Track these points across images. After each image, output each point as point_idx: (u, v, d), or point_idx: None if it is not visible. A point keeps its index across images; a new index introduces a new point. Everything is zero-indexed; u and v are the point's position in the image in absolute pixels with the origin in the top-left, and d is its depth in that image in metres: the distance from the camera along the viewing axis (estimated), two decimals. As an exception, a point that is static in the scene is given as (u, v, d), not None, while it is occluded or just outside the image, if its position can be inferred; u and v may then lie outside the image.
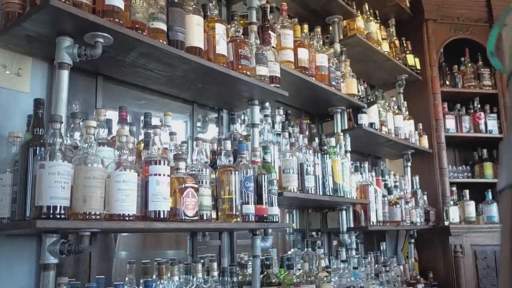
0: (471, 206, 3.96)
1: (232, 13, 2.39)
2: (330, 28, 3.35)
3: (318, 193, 2.56)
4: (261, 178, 2.11)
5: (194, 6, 1.96)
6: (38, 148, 1.42)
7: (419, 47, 4.30)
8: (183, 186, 1.69)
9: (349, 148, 3.09)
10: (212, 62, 1.96)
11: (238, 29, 2.19)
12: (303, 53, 2.60)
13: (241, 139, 2.33)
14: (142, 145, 1.88)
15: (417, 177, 3.99)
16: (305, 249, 2.93)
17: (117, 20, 1.58)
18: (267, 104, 2.48)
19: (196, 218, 1.72)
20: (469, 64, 4.40)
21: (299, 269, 2.49)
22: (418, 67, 4.22)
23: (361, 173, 3.17)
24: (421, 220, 3.74)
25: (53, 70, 1.69)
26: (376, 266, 3.06)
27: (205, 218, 1.80)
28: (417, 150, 3.94)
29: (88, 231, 1.40)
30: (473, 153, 4.49)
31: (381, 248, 3.43)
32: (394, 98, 3.94)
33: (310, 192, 2.48)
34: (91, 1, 1.56)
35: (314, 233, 3.27)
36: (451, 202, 3.96)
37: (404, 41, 4.15)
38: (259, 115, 2.39)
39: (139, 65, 1.88)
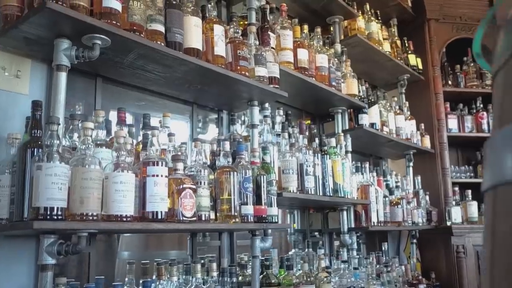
0: (473, 206, 3.95)
1: (231, 14, 2.39)
2: (331, 29, 3.35)
3: (318, 194, 2.56)
4: (260, 179, 2.11)
5: (192, 8, 1.96)
6: (36, 149, 1.43)
7: (421, 47, 4.29)
8: (181, 187, 1.70)
9: (350, 149, 3.09)
10: (210, 63, 1.97)
11: (237, 30, 2.19)
12: (302, 54, 2.60)
13: (240, 139, 2.34)
14: (141, 146, 1.89)
15: (419, 177, 3.98)
16: (306, 250, 2.93)
17: (115, 22, 1.59)
18: (266, 104, 2.49)
19: (194, 219, 1.73)
20: (472, 64, 4.38)
21: (300, 270, 2.49)
22: (420, 67, 4.21)
23: (362, 174, 3.17)
24: (423, 220, 3.73)
25: (52, 72, 1.69)
26: (377, 266, 3.06)
27: (203, 218, 1.81)
28: (419, 150, 3.93)
29: (85, 232, 1.41)
30: (476, 153, 4.48)
31: (383, 249, 3.43)
32: (396, 98, 3.93)
33: (310, 192, 2.48)
34: (89, 3, 1.57)
35: (316, 233, 3.27)
36: (453, 202, 3.95)
37: (405, 41, 4.14)
38: (258, 116, 2.39)
39: (138, 67, 1.89)
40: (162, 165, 1.65)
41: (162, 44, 1.77)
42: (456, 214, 3.86)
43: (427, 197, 3.94)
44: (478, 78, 4.37)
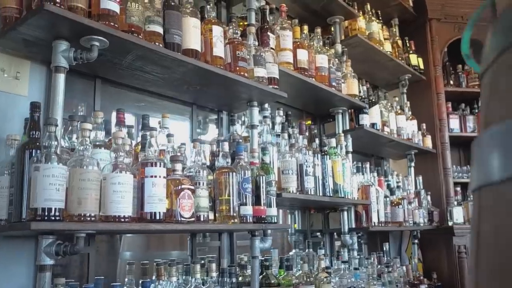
0: (475, 207, 3.93)
1: (230, 15, 2.40)
2: (332, 29, 3.35)
3: (318, 194, 2.56)
4: (259, 179, 2.11)
5: (191, 9, 1.97)
6: (34, 150, 1.44)
7: (422, 47, 4.28)
8: (179, 187, 1.70)
9: (350, 149, 3.09)
10: (209, 64, 1.97)
11: (236, 31, 2.20)
12: (302, 54, 2.61)
13: (240, 140, 2.34)
14: (140, 147, 1.89)
15: (420, 177, 3.98)
16: (307, 250, 2.93)
17: (112, 24, 1.59)
18: (266, 105, 2.49)
19: (192, 219, 1.73)
20: (473, 64, 4.36)
21: (300, 270, 2.49)
22: (422, 66, 4.20)
23: (363, 174, 3.17)
24: (425, 220, 3.72)
25: (51, 74, 1.70)
26: (378, 266, 3.06)
27: (202, 219, 1.82)
28: (420, 150, 3.92)
29: (83, 232, 1.42)
30: (478, 153, 4.45)
31: (384, 249, 3.43)
32: (397, 98, 3.92)
33: (309, 193, 2.49)
34: (87, 5, 1.57)
35: (319, 234, 3.27)
36: (455, 203, 3.94)
37: (407, 41, 4.14)
38: (258, 117, 2.40)
39: (137, 68, 1.90)
40: (160, 166, 1.66)
41: (161, 45, 1.77)
42: (457, 214, 3.85)
43: (429, 197, 3.93)
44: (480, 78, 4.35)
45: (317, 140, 2.80)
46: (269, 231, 2.30)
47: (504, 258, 0.47)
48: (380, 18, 3.77)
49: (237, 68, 2.11)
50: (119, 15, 1.64)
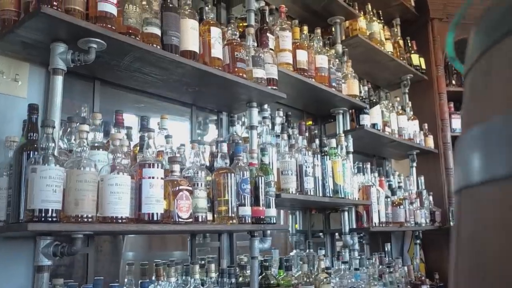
0: (477, 207, 3.91)
1: (229, 16, 2.40)
2: (333, 29, 3.35)
3: (317, 195, 2.56)
4: (258, 180, 2.12)
5: (189, 11, 1.98)
6: (31, 152, 1.45)
7: (424, 47, 4.27)
8: (177, 188, 1.71)
9: (351, 149, 3.09)
10: (207, 66, 1.98)
11: (235, 32, 2.21)
12: (301, 55, 2.61)
13: (240, 141, 2.34)
14: (138, 148, 1.90)
15: (422, 178, 3.96)
16: (307, 250, 2.93)
17: (110, 26, 1.60)
18: (266, 106, 2.49)
19: (190, 220, 1.74)
20: (476, 63, 4.35)
21: (300, 271, 2.49)
22: (424, 66, 4.19)
23: (364, 174, 3.17)
24: (426, 221, 3.71)
25: (50, 76, 1.72)
26: (380, 267, 3.05)
27: (200, 220, 1.82)
28: (422, 150, 3.91)
29: (80, 233, 1.43)
30: (481, 153, 4.43)
31: (386, 249, 3.42)
32: (398, 98, 3.92)
33: (309, 193, 2.49)
34: (84, 7, 1.58)
35: (321, 234, 3.27)
36: (457, 203, 3.92)
37: (408, 41, 4.13)
38: (257, 117, 2.40)
39: (135, 69, 1.91)
40: (157, 167, 1.67)
41: (158, 47, 1.78)
42: (460, 214, 3.83)
43: (431, 198, 3.92)
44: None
45: (317, 141, 2.80)
46: (268, 232, 2.30)
47: (481, 263, 0.48)
48: (381, 18, 3.76)
49: (236, 69, 2.11)
50: (116, 17, 1.65)
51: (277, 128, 2.64)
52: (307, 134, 2.70)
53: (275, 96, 2.33)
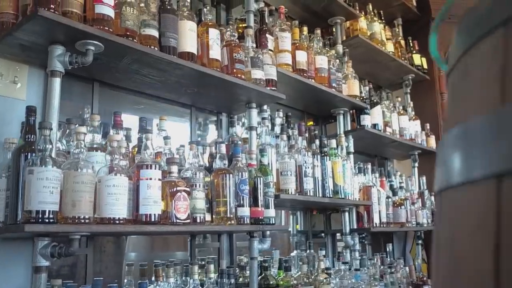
0: (480, 207, 3.89)
1: (228, 17, 2.41)
2: (334, 30, 3.35)
3: (317, 195, 2.56)
4: (257, 181, 2.12)
5: (187, 12, 1.98)
6: (29, 154, 1.46)
7: (426, 47, 4.22)
8: (174, 189, 1.72)
9: (352, 150, 3.09)
10: (205, 67, 1.99)
11: (234, 33, 2.21)
12: (301, 56, 2.61)
13: (239, 142, 2.35)
14: (137, 149, 1.91)
15: (424, 178, 3.95)
16: (308, 251, 2.93)
17: (107, 28, 1.61)
18: (265, 107, 2.50)
19: (188, 221, 1.75)
20: (478, 63, 4.33)
21: (299, 271, 2.49)
22: (425, 66, 4.18)
23: (365, 175, 3.17)
24: (428, 221, 3.70)
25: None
26: (381, 267, 3.05)
27: (198, 221, 1.83)
28: (424, 150, 3.90)
29: (77, 234, 1.44)
30: (483, 153, 4.42)
31: (387, 250, 3.41)
32: (400, 99, 3.91)
33: (308, 194, 2.49)
34: (82, 10, 1.59)
35: (322, 234, 3.27)
36: (460, 203, 3.90)
37: (410, 41, 4.12)
38: (256, 118, 2.41)
39: (133, 71, 1.92)
40: (155, 168, 1.67)
41: (156, 48, 1.79)
42: (462, 214, 3.81)
43: (433, 198, 3.90)
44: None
45: (317, 141, 2.80)
46: (268, 232, 2.30)
47: (457, 264, 0.48)
48: (383, 18, 3.76)
49: (234, 70, 2.12)
50: (114, 19, 1.65)
51: (277, 129, 2.65)
52: (306, 134, 2.70)
53: (274, 97, 2.34)
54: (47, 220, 1.35)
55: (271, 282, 2.26)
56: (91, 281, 1.82)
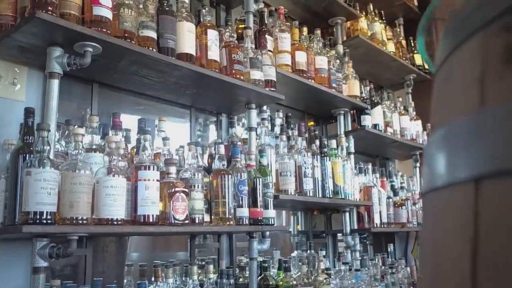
0: (482, 207, 3.88)
1: (226, 18, 2.41)
2: (334, 30, 3.35)
3: (317, 196, 2.56)
4: (256, 181, 2.13)
5: (186, 13, 1.99)
6: (27, 155, 1.47)
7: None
8: (173, 190, 1.73)
9: (352, 150, 3.09)
10: (204, 68, 1.99)
11: (233, 34, 2.22)
12: (300, 56, 2.61)
13: (239, 142, 2.35)
14: (135, 150, 1.92)
15: (426, 178, 3.93)
16: (308, 251, 2.93)
17: (105, 30, 1.62)
18: (265, 107, 2.50)
19: (186, 221, 1.75)
20: (480, 63, 4.31)
21: (299, 272, 2.49)
22: (427, 66, 4.17)
23: (365, 175, 3.16)
24: (430, 221, 3.68)
25: (48, 79, 1.74)
26: (382, 267, 3.04)
27: (197, 221, 1.83)
28: (425, 150, 3.89)
29: (75, 235, 1.45)
30: (486, 153, 4.40)
31: (389, 250, 3.41)
32: (401, 99, 3.90)
33: (308, 194, 2.49)
34: (80, 11, 1.60)
35: (324, 235, 3.27)
36: (462, 203, 3.89)
37: (411, 41, 4.11)
38: (256, 119, 2.41)
39: (132, 72, 1.92)
40: (153, 169, 1.68)
41: (154, 50, 1.80)
42: (464, 215, 3.80)
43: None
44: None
45: (317, 142, 2.80)
46: (267, 233, 2.31)
47: (439, 266, 0.48)
48: (384, 18, 3.76)
49: (233, 71, 2.12)
50: (111, 21, 1.66)
51: (277, 129, 2.65)
52: (306, 135, 2.71)
53: (273, 98, 2.34)
54: (44, 221, 1.36)
55: (271, 283, 2.26)
56: (90, 282, 1.83)
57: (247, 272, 2.28)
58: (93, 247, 2.00)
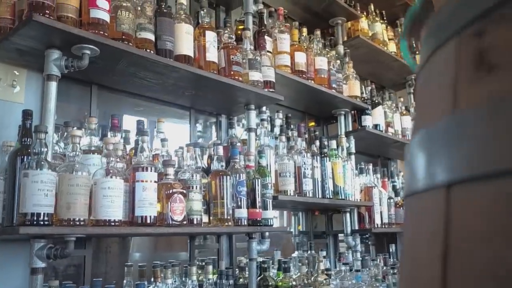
0: (484, 207, 3.87)
1: (225, 19, 2.42)
2: (335, 30, 3.35)
3: (317, 196, 2.57)
4: (254, 182, 2.13)
5: (184, 15, 2.00)
6: (25, 157, 1.48)
7: (430, 46, 4.22)
8: (170, 191, 1.74)
9: (353, 150, 3.09)
10: (202, 69, 2.00)
11: (231, 36, 2.22)
12: (300, 57, 2.62)
13: (238, 143, 2.36)
14: (134, 151, 1.93)
15: (427, 178, 3.92)
16: (309, 252, 2.93)
17: (102, 32, 1.63)
18: (264, 108, 2.50)
19: (184, 222, 1.76)
20: (482, 62, 4.30)
21: (299, 272, 2.50)
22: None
23: (367, 175, 3.16)
24: (432, 221, 3.67)
25: (47, 81, 1.75)
26: (384, 268, 3.04)
27: (195, 222, 1.84)
28: (427, 150, 3.88)
29: (72, 236, 1.46)
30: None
31: (390, 250, 3.40)
32: (402, 99, 3.90)
33: (308, 195, 2.49)
34: (77, 14, 1.61)
35: (325, 235, 3.27)
36: (464, 203, 3.88)
37: (413, 41, 4.09)
38: (255, 120, 2.42)
39: (130, 74, 1.94)
40: (150, 171, 1.69)
41: (152, 52, 1.81)
42: (466, 215, 3.79)
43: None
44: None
45: (317, 142, 2.80)
46: (266, 233, 2.31)
47: (414, 271, 0.48)
48: (385, 18, 3.75)
49: (232, 73, 2.13)
50: (109, 23, 1.67)
51: (277, 130, 2.66)
52: (306, 136, 2.71)
53: (272, 99, 2.34)
54: (41, 223, 1.37)
55: (270, 283, 2.26)
56: (89, 282, 1.85)
57: (247, 273, 2.29)
58: (95, 248, 2.02)
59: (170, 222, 1.71)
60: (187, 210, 1.80)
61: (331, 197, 2.67)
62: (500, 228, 0.36)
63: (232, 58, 2.14)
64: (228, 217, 1.96)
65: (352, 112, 3.22)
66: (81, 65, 1.62)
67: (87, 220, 1.49)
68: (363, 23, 3.37)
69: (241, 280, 2.31)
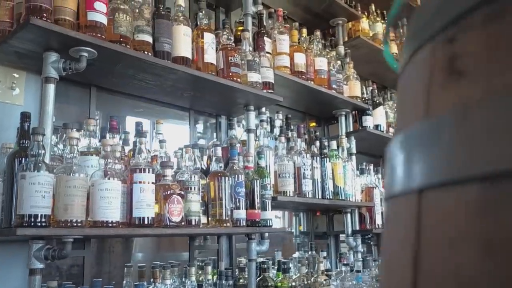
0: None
1: (224, 20, 2.43)
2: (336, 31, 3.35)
3: (317, 197, 2.57)
4: (253, 183, 2.14)
5: (182, 17, 2.01)
6: (23, 159, 1.49)
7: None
8: (168, 192, 1.75)
9: (354, 151, 3.09)
10: (200, 71, 2.01)
11: (230, 37, 2.23)
12: (299, 58, 2.62)
13: (237, 144, 2.36)
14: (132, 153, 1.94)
15: (430, 178, 3.91)
16: (310, 252, 2.93)
17: (99, 35, 1.64)
18: (263, 109, 2.51)
19: (182, 223, 1.77)
20: (485, 62, 4.28)
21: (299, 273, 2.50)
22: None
23: (367, 176, 3.16)
24: (433, 222, 3.66)
25: (46, 84, 1.76)
26: (384, 269, 3.03)
27: (193, 223, 1.85)
28: (429, 150, 3.86)
29: (70, 237, 1.47)
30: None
31: (392, 251, 3.39)
32: (404, 99, 3.88)
33: (307, 196, 2.49)
34: (75, 17, 1.63)
35: (326, 236, 3.27)
36: (466, 203, 3.87)
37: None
38: (254, 121, 2.42)
39: (129, 76, 1.95)
40: (148, 172, 1.70)
41: (150, 54, 1.81)
42: (468, 215, 3.78)
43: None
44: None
45: (317, 143, 2.81)
46: (266, 234, 2.31)
47: (389, 275, 0.49)
48: (386, 18, 3.74)
49: (230, 74, 2.13)
50: (106, 26, 1.68)
51: (277, 131, 2.66)
52: (306, 136, 2.71)
53: (271, 100, 2.35)
54: (39, 224, 1.39)
55: (270, 284, 2.27)
56: (88, 283, 1.86)
57: (247, 274, 2.30)
58: (97, 249, 2.04)
59: (168, 223, 1.72)
60: (185, 211, 1.81)
61: (331, 197, 2.67)
62: (464, 234, 0.37)
63: (231, 60, 2.15)
64: (227, 218, 1.97)
65: (353, 112, 3.22)
66: (78, 68, 1.63)
67: (84, 222, 1.50)
68: (364, 23, 3.37)
69: (241, 280, 2.32)
